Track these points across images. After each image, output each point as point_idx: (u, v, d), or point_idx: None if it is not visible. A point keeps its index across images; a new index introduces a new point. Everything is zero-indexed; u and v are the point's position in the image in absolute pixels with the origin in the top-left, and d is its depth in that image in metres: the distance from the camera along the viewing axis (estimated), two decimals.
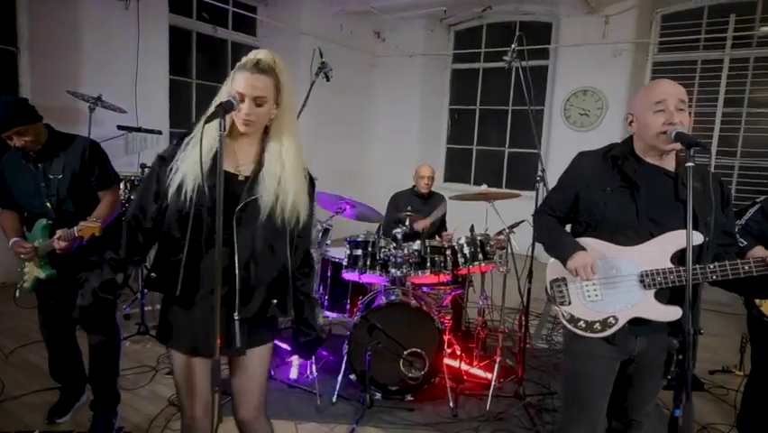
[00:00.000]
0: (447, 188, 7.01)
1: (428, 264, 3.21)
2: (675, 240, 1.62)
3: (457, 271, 3.31)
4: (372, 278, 3.27)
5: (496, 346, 3.29)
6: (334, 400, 2.91)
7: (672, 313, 1.62)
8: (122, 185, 3.76)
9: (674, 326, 1.63)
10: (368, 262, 3.20)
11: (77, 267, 2.40)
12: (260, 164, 1.64)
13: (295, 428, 2.68)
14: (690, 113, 1.63)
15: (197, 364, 1.65)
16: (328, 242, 3.55)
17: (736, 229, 1.90)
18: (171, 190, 1.55)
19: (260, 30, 7.22)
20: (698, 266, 1.54)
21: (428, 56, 8.08)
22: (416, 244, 3.24)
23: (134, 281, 4.16)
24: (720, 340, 3.86)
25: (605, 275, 1.68)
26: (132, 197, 4.03)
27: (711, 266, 1.56)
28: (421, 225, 3.81)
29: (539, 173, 3.12)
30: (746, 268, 1.55)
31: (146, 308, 3.71)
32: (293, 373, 3.20)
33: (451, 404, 2.91)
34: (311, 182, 1.76)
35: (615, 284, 1.68)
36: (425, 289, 3.58)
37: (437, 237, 3.94)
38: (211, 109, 1.45)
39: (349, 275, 3.25)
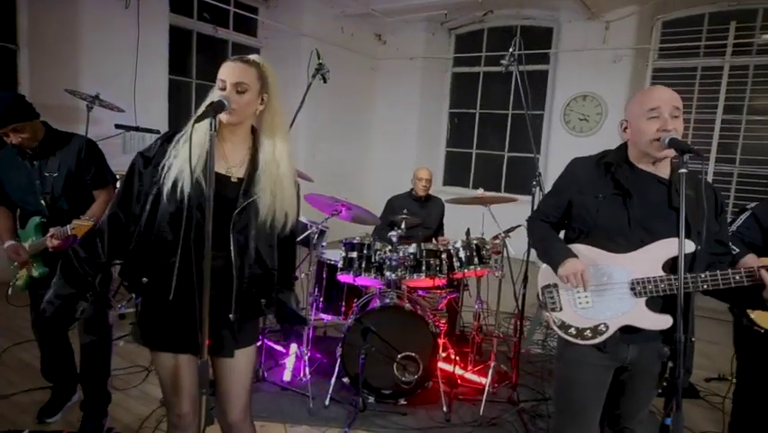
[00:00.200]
0: (446, 192, 7.01)
1: (423, 268, 3.20)
2: (667, 248, 1.61)
3: (452, 275, 3.30)
4: (367, 280, 3.26)
5: (490, 351, 3.27)
6: (327, 403, 2.90)
7: (663, 322, 1.61)
8: (118, 184, 3.76)
9: (667, 334, 1.62)
10: (363, 265, 3.19)
11: None
12: (253, 165, 1.63)
13: (285, 430, 2.67)
14: (688, 119, 1.62)
15: (184, 363, 1.64)
16: (324, 243, 3.54)
17: None
18: (166, 189, 1.53)
19: (261, 31, 7.22)
20: (689, 275, 1.53)
21: (429, 59, 8.08)
22: (412, 247, 3.23)
23: None
24: (717, 348, 3.84)
25: (596, 282, 1.67)
26: None
27: (702, 275, 1.55)
28: (441, 241, 3.78)
29: (536, 177, 3.11)
30: (737, 278, 1.54)
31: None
32: (286, 376, 3.19)
33: (444, 409, 2.90)
34: (298, 184, 1.78)
35: (606, 291, 1.67)
36: (420, 292, 3.56)
37: (434, 241, 3.94)
38: (201, 109, 1.45)
39: (344, 277, 3.24)
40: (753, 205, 2.09)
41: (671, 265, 1.62)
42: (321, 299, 3.43)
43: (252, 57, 1.62)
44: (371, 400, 2.96)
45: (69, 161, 2.37)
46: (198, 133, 1.49)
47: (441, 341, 3.10)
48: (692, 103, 6.30)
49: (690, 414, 3.06)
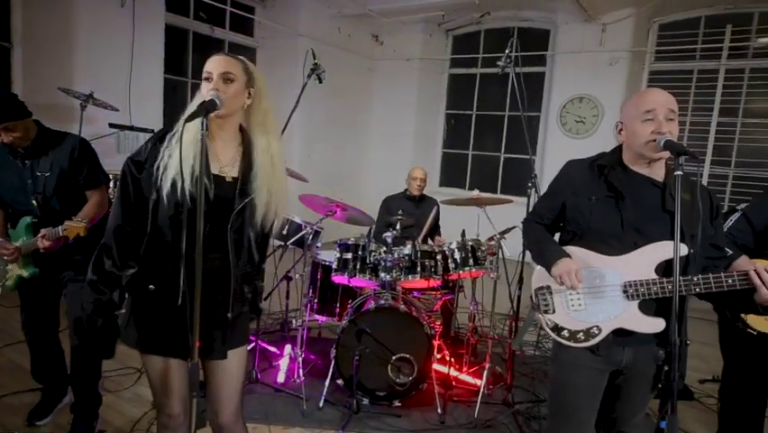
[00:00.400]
0: (442, 193, 7.01)
1: (419, 269, 3.19)
2: (660, 251, 1.60)
3: (447, 277, 3.29)
4: (362, 282, 3.25)
5: (485, 353, 3.26)
6: (321, 404, 2.88)
7: (656, 325, 1.60)
8: (111, 184, 3.73)
9: (661, 337, 1.61)
10: (358, 266, 3.17)
11: (60, 266, 2.37)
12: (246, 163, 1.62)
13: (279, 432, 2.65)
14: (684, 122, 1.62)
15: (175, 365, 1.63)
16: (318, 244, 3.53)
17: None
18: (165, 190, 1.51)
19: (258, 31, 7.21)
20: (681, 278, 1.52)
21: (426, 60, 8.08)
22: (407, 249, 3.22)
23: None
24: (711, 349, 3.81)
25: (589, 285, 1.67)
26: None
27: (695, 279, 1.54)
28: (437, 242, 3.86)
29: (532, 179, 3.11)
30: (730, 281, 1.52)
31: None
32: (280, 377, 3.17)
33: (439, 411, 2.88)
34: None
35: (599, 294, 1.66)
36: (415, 294, 3.55)
37: (429, 241, 3.93)
38: (190, 108, 1.44)
39: (339, 278, 3.23)
40: (743, 206, 2.07)
41: (664, 268, 1.61)
42: (315, 301, 3.42)
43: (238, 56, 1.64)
44: (366, 401, 2.95)
45: (62, 161, 2.34)
46: (189, 133, 1.47)
47: (436, 342, 3.08)
48: (688, 105, 6.32)
49: (684, 416, 3.06)
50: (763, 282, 1.46)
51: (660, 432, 1.45)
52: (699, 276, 1.53)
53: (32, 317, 2.47)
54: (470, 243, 3.30)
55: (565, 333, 1.70)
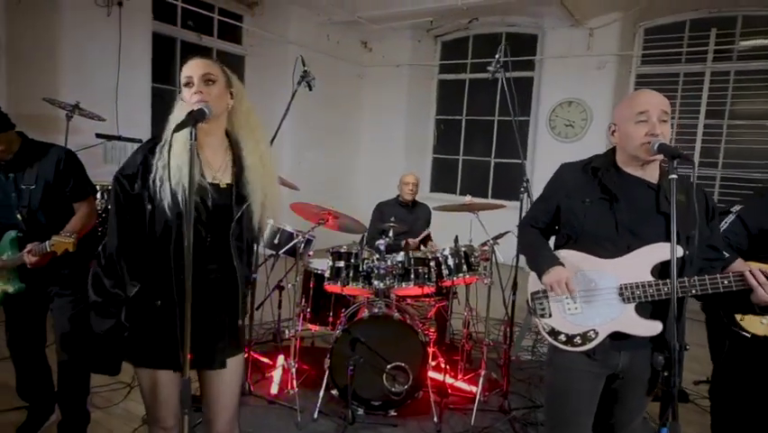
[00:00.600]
0: (433, 199, 6.99)
1: (412, 276, 3.16)
2: (655, 253, 1.59)
3: (441, 283, 3.27)
4: (355, 290, 3.21)
5: (480, 359, 3.24)
6: (315, 416, 2.83)
7: (653, 328, 1.59)
8: (98, 195, 3.68)
9: (657, 340, 1.60)
10: (351, 274, 3.14)
11: (47, 280, 2.31)
12: (237, 167, 1.61)
13: None
14: (672, 124, 1.62)
15: (169, 377, 1.60)
16: (310, 253, 3.49)
17: None
18: (166, 202, 1.48)
19: (246, 39, 7.18)
20: (677, 280, 1.51)
21: (415, 66, 8.10)
22: (400, 256, 3.20)
23: None
24: (705, 351, 3.83)
25: (584, 288, 1.65)
26: (110, 207, 3.93)
27: (690, 280, 1.53)
28: (412, 244, 3.81)
29: (523, 183, 3.10)
30: (725, 283, 1.52)
31: None
32: (273, 389, 3.12)
33: (435, 419, 2.85)
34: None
35: (595, 297, 1.65)
36: (409, 301, 3.53)
37: (422, 248, 3.91)
38: (176, 117, 1.42)
39: (331, 287, 3.19)
40: (738, 208, 2.06)
41: (659, 270, 1.60)
42: (308, 310, 3.37)
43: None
44: (361, 411, 2.91)
45: (47, 173, 2.29)
46: (177, 143, 1.44)
47: (431, 350, 3.06)
48: (675, 108, 6.38)
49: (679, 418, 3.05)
50: (760, 284, 1.45)
51: None
52: (695, 278, 1.52)
53: (18, 332, 2.40)
54: (463, 248, 3.28)
55: (562, 337, 1.69)
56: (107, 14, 5.08)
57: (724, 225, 2.06)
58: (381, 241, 3.18)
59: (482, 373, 3.12)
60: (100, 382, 2.98)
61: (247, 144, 1.62)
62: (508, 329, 3.24)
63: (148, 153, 1.54)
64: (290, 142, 6.85)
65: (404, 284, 3.15)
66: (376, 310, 2.98)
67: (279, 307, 3.47)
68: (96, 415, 2.61)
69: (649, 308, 1.62)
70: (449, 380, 3.22)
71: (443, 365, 3.23)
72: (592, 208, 1.66)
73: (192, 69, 1.52)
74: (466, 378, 3.32)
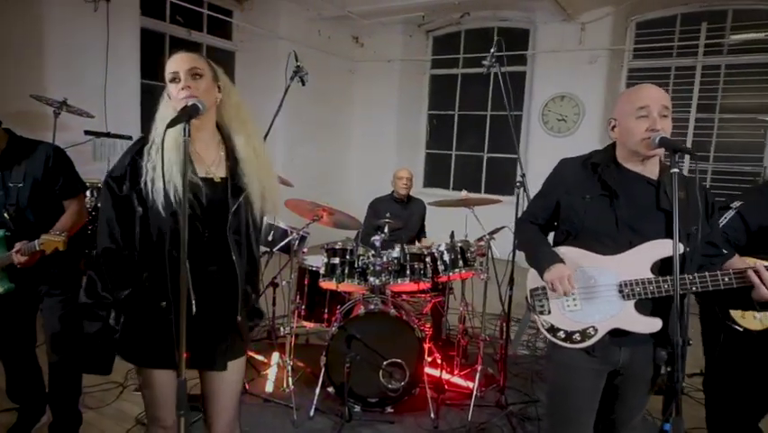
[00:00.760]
0: (426, 194, 6.98)
1: (408, 272, 3.15)
2: (656, 249, 1.58)
3: (437, 279, 3.25)
4: (351, 287, 3.19)
5: (477, 354, 3.23)
6: (312, 414, 2.81)
7: (653, 325, 1.58)
8: (88, 192, 3.62)
9: (658, 337, 1.59)
10: (346, 271, 3.11)
11: (36, 280, 2.26)
12: (232, 160, 1.58)
13: None
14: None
15: (168, 376, 1.58)
16: (305, 249, 3.46)
17: None
18: (160, 204, 1.46)
19: (237, 34, 7.09)
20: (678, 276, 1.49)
21: (406, 61, 8.07)
22: (396, 252, 3.18)
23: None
24: (697, 343, 3.87)
25: (584, 285, 1.64)
26: (99, 204, 3.87)
27: (691, 277, 1.52)
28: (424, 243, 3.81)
29: (519, 179, 3.08)
30: (726, 280, 1.51)
31: None
32: (268, 387, 3.10)
33: (432, 415, 2.84)
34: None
35: (594, 294, 1.64)
36: (404, 297, 3.51)
37: (416, 243, 3.90)
38: (164, 113, 1.39)
39: (327, 284, 3.17)
40: (738, 204, 2.05)
41: (659, 267, 1.59)
42: (303, 307, 3.35)
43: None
44: (357, 408, 2.89)
45: (36, 171, 2.24)
46: (168, 140, 1.41)
47: (427, 346, 3.04)
48: None
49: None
50: (763, 282, 1.44)
51: None
52: (696, 275, 1.51)
53: (7, 333, 2.35)
54: (459, 244, 3.27)
55: (561, 334, 1.68)
56: (94, 10, 4.98)
57: (723, 221, 2.06)
58: (377, 237, 3.15)
59: (479, 368, 3.11)
60: (92, 381, 2.94)
61: (239, 137, 1.60)
62: (504, 324, 3.23)
63: (135, 155, 1.53)
64: (282, 139, 6.79)
65: (399, 280, 3.14)
66: (372, 307, 2.96)
67: (274, 304, 3.44)
68: (87, 416, 2.57)
69: (649, 305, 1.61)
70: (445, 375, 3.22)
71: (439, 361, 3.22)
72: (592, 205, 1.64)
73: (177, 63, 1.49)
74: (462, 374, 3.32)
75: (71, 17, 4.83)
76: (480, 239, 3.37)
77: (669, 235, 1.57)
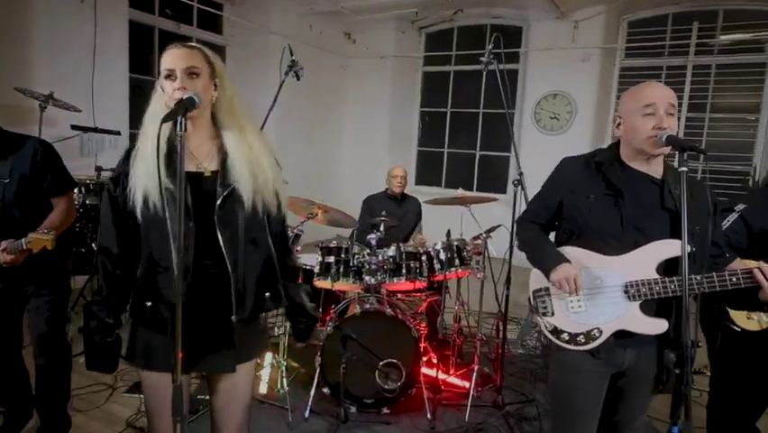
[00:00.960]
0: (418, 192, 6.94)
1: (404, 271, 3.11)
2: (661, 249, 1.56)
3: (433, 278, 3.22)
4: (346, 286, 3.15)
5: (473, 354, 3.21)
6: (307, 415, 2.77)
7: (658, 326, 1.56)
8: (76, 190, 3.53)
9: (662, 338, 1.57)
10: (341, 270, 3.07)
11: (24, 280, 2.19)
12: (223, 154, 1.53)
13: None
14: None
15: (169, 379, 1.51)
16: (299, 248, 3.41)
17: None
18: (138, 209, 1.43)
19: (227, 28, 6.99)
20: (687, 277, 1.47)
21: (399, 58, 8.01)
22: (391, 250, 3.14)
23: (89, 291, 3.90)
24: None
25: (589, 286, 1.62)
26: (88, 201, 3.79)
27: (698, 277, 1.50)
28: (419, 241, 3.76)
29: (517, 177, 3.06)
30: (734, 280, 1.49)
31: None
32: (262, 388, 3.05)
33: (428, 416, 2.81)
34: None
35: (599, 295, 1.61)
36: (399, 296, 3.47)
37: (411, 241, 3.86)
38: (154, 107, 1.35)
39: (321, 283, 3.12)
40: (741, 207, 2.04)
41: (664, 267, 1.57)
42: None
43: (192, 43, 1.53)
44: (353, 409, 2.86)
45: (23, 166, 2.16)
46: (153, 138, 1.36)
47: (422, 345, 3.01)
48: None
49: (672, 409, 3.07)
50: None
51: None
52: (703, 275, 1.49)
53: None
54: (455, 242, 3.24)
55: (565, 336, 1.65)
56: (81, 1, 4.87)
57: (726, 224, 2.04)
58: (372, 235, 3.11)
59: (475, 368, 3.09)
60: (81, 383, 2.88)
61: (231, 131, 1.54)
62: (501, 324, 3.21)
63: (125, 158, 1.51)
64: (274, 135, 6.70)
65: (395, 279, 3.10)
66: (368, 306, 2.92)
67: None
68: (76, 419, 2.50)
69: (654, 306, 1.59)
70: (442, 375, 3.19)
71: (434, 361, 3.20)
72: (597, 204, 1.62)
73: (174, 60, 1.43)
74: (459, 373, 3.29)
75: (58, 8, 4.71)
76: (477, 238, 3.35)
77: (673, 235, 1.55)
